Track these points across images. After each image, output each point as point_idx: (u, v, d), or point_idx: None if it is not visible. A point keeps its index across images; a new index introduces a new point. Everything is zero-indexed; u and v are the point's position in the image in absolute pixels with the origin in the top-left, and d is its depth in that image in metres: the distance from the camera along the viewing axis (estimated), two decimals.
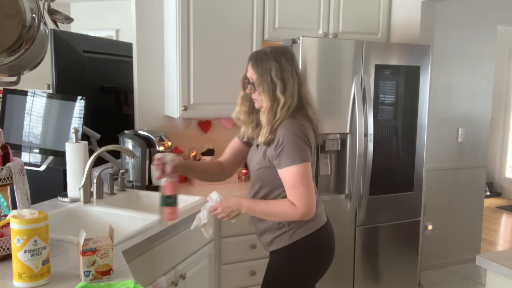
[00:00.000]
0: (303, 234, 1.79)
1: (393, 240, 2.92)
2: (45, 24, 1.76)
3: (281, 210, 1.73)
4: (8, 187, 1.46)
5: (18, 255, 1.26)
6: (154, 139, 2.60)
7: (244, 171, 2.94)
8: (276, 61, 1.73)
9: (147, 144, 2.59)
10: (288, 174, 1.70)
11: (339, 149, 2.73)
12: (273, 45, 2.86)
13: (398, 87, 2.86)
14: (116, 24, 6.84)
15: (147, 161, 2.58)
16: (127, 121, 2.95)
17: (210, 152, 2.90)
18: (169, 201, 1.71)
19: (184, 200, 2.38)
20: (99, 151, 2.23)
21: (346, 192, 2.75)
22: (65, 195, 2.26)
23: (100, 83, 2.86)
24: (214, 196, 1.79)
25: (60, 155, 2.38)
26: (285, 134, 1.69)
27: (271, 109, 1.72)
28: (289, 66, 1.74)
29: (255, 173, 1.86)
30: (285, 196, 1.74)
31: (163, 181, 1.71)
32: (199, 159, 2.96)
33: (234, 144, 2.03)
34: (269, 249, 1.90)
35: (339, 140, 2.71)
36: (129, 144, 2.59)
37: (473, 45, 4.00)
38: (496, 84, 5.10)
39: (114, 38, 6.82)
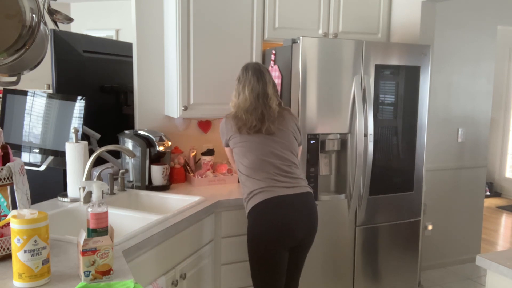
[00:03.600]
0: (252, 204, 2.15)
1: (393, 240, 2.92)
2: (45, 24, 1.76)
3: None
4: (8, 187, 1.46)
5: (18, 255, 1.26)
6: (154, 139, 2.60)
7: None
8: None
9: (147, 144, 2.59)
10: None
11: (339, 149, 2.73)
12: (273, 45, 2.88)
13: (398, 87, 2.86)
14: (116, 24, 6.85)
15: (147, 161, 2.59)
16: (127, 121, 2.95)
17: (210, 152, 2.90)
18: (94, 235, 1.46)
19: (184, 200, 2.39)
20: (99, 151, 2.23)
21: (346, 192, 2.75)
22: (65, 195, 2.26)
23: (100, 83, 2.86)
24: None
25: (60, 155, 2.38)
26: None
27: None
28: (238, 77, 2.33)
29: None
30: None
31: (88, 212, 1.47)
32: (199, 159, 2.96)
33: None
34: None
35: (339, 140, 2.71)
36: (129, 144, 2.59)
37: (473, 45, 4.00)
38: (496, 84, 5.11)
39: (114, 38, 6.82)
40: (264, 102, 2.25)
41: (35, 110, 2.48)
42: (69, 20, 1.98)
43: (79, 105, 2.40)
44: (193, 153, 2.96)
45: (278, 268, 2.15)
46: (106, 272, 1.32)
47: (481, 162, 4.18)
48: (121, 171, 2.49)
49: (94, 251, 1.29)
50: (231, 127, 2.29)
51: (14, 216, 1.27)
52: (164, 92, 2.91)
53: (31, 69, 1.80)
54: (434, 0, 3.08)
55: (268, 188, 2.14)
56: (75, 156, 2.22)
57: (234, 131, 2.28)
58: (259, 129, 2.22)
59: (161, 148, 2.61)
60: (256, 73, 2.30)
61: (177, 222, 2.00)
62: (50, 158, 2.43)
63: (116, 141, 2.66)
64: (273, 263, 2.14)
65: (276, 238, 2.13)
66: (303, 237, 2.19)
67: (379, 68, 2.73)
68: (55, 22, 1.91)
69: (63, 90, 2.54)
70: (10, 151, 1.49)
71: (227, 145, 2.37)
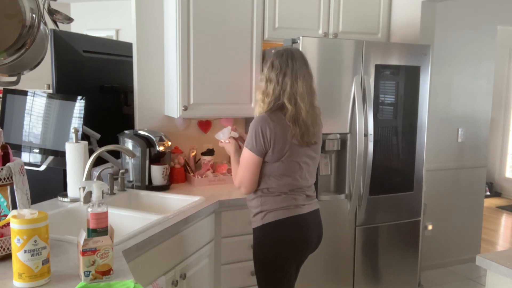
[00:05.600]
0: (271, 219, 1.96)
1: (393, 240, 2.92)
2: (45, 24, 1.76)
3: (234, 174, 2.09)
4: (8, 187, 1.46)
5: (18, 255, 1.26)
6: (154, 139, 2.60)
7: None
8: (271, 60, 1.96)
9: (147, 144, 2.59)
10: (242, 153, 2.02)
11: (339, 149, 2.73)
12: (273, 45, 2.89)
13: (398, 87, 2.86)
14: (116, 24, 6.85)
15: (147, 161, 2.59)
16: (127, 121, 2.95)
17: (210, 152, 2.90)
18: (94, 235, 1.46)
19: (184, 200, 2.39)
20: (99, 151, 2.23)
21: (346, 192, 2.75)
22: (65, 195, 2.26)
23: (100, 83, 2.86)
24: (226, 132, 2.21)
25: (60, 155, 2.38)
26: (252, 123, 1.95)
27: (256, 102, 2.02)
28: (278, 65, 1.92)
29: None
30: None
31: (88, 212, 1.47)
32: (199, 159, 2.96)
33: None
34: (252, 226, 2.08)
35: (339, 140, 2.71)
36: (129, 144, 2.59)
37: (473, 45, 4.00)
38: (496, 84, 5.11)
39: (114, 38, 6.82)
40: (312, 103, 1.96)
41: (35, 110, 2.48)
42: (69, 20, 1.98)
43: (79, 105, 2.40)
44: (193, 153, 2.96)
45: (289, 282, 2.09)
46: (106, 272, 1.32)
47: (481, 162, 4.18)
48: (121, 171, 2.49)
49: (94, 251, 1.29)
50: (286, 134, 1.89)
51: (14, 216, 1.27)
52: (164, 92, 2.91)
53: (31, 69, 1.80)
54: (434, 0, 3.08)
55: (293, 206, 1.98)
56: (75, 156, 2.22)
57: (287, 141, 1.90)
58: (312, 139, 1.95)
59: (161, 148, 2.61)
60: (304, 63, 1.93)
61: (177, 222, 2.00)
62: (50, 158, 2.43)
63: (116, 141, 2.66)
64: (285, 277, 2.06)
65: (293, 255, 2.04)
66: (311, 251, 2.16)
67: (379, 68, 2.73)
68: (55, 22, 1.91)
69: (63, 90, 2.54)
70: (10, 151, 1.49)
71: (262, 154, 1.93)
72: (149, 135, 2.62)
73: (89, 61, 2.76)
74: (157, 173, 2.58)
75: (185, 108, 2.68)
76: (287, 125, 1.91)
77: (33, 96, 2.49)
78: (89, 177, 2.18)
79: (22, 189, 1.46)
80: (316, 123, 2.00)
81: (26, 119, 2.48)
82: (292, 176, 1.98)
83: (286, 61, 1.92)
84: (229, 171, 2.90)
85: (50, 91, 2.96)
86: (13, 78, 1.75)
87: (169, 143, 2.67)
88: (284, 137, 1.91)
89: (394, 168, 2.91)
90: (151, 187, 2.59)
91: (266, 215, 1.98)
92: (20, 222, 1.25)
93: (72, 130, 2.26)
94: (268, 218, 1.97)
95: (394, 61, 2.79)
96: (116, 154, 2.66)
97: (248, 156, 1.96)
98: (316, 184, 2.62)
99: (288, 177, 1.97)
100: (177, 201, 2.39)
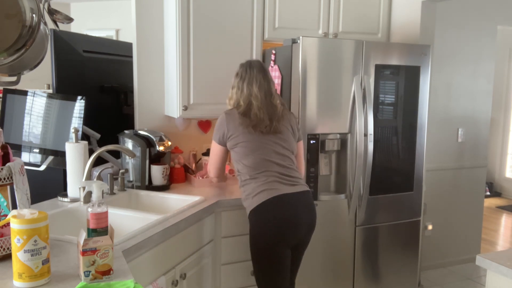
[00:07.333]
0: (256, 202, 2.14)
1: (393, 240, 2.92)
2: (45, 24, 1.76)
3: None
4: (8, 187, 1.46)
5: (18, 255, 1.26)
6: (154, 139, 2.60)
7: None
8: (237, 71, 2.35)
9: (147, 144, 2.59)
10: None
11: (339, 149, 2.73)
12: (273, 45, 2.89)
13: (398, 87, 2.86)
14: (116, 24, 6.86)
15: (147, 161, 2.59)
16: (127, 121, 2.95)
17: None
18: (94, 235, 1.46)
19: (184, 200, 2.39)
20: (99, 151, 2.23)
21: (346, 192, 2.75)
22: (65, 195, 2.26)
23: (100, 83, 2.86)
24: None
25: (60, 155, 2.38)
26: None
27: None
28: (240, 73, 2.31)
29: None
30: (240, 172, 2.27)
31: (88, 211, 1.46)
32: (199, 159, 2.96)
33: None
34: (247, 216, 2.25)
35: (339, 140, 2.71)
36: (129, 144, 2.59)
37: (473, 45, 4.00)
38: (496, 84, 5.11)
39: (114, 38, 6.82)
40: (270, 101, 2.28)
41: (35, 110, 2.48)
42: (69, 20, 1.97)
43: (79, 105, 2.40)
44: (193, 153, 2.96)
45: (283, 267, 2.16)
46: (106, 272, 1.32)
47: (481, 162, 4.18)
48: (121, 171, 2.49)
49: (94, 251, 1.29)
50: (237, 125, 2.24)
51: (14, 216, 1.27)
52: (164, 92, 2.91)
53: (31, 69, 1.80)
54: (434, 0, 3.08)
55: (272, 186, 2.15)
56: (75, 156, 2.22)
57: (239, 130, 2.23)
58: (269, 129, 2.23)
59: (161, 148, 2.61)
60: (261, 71, 2.31)
61: (177, 222, 2.00)
62: (50, 158, 2.43)
63: (116, 141, 2.66)
64: (278, 261, 2.15)
65: (281, 235, 2.14)
66: (304, 235, 2.22)
67: (379, 68, 2.73)
68: (55, 22, 1.91)
69: (63, 90, 2.54)
70: (10, 151, 1.49)
71: (222, 144, 2.32)
72: (149, 135, 2.62)
73: (89, 61, 2.76)
74: (157, 173, 2.59)
75: (185, 108, 2.68)
76: (238, 117, 2.26)
77: (33, 96, 2.49)
78: (89, 177, 2.18)
79: (22, 189, 1.46)
80: (276, 117, 2.25)
81: (26, 119, 2.48)
82: (259, 152, 2.20)
83: (246, 70, 2.30)
84: (231, 171, 2.90)
85: (50, 91, 2.96)
86: (13, 78, 1.75)
87: (169, 143, 2.67)
88: (237, 126, 2.25)
89: (394, 168, 2.91)
90: (151, 187, 2.59)
91: (252, 200, 2.16)
92: (20, 222, 1.25)
93: (72, 130, 2.26)
94: (254, 202, 2.15)
95: (394, 61, 2.79)
96: (116, 154, 2.66)
97: (212, 146, 2.37)
98: (316, 184, 2.65)
99: (254, 153, 2.20)
100: (177, 201, 2.40)
